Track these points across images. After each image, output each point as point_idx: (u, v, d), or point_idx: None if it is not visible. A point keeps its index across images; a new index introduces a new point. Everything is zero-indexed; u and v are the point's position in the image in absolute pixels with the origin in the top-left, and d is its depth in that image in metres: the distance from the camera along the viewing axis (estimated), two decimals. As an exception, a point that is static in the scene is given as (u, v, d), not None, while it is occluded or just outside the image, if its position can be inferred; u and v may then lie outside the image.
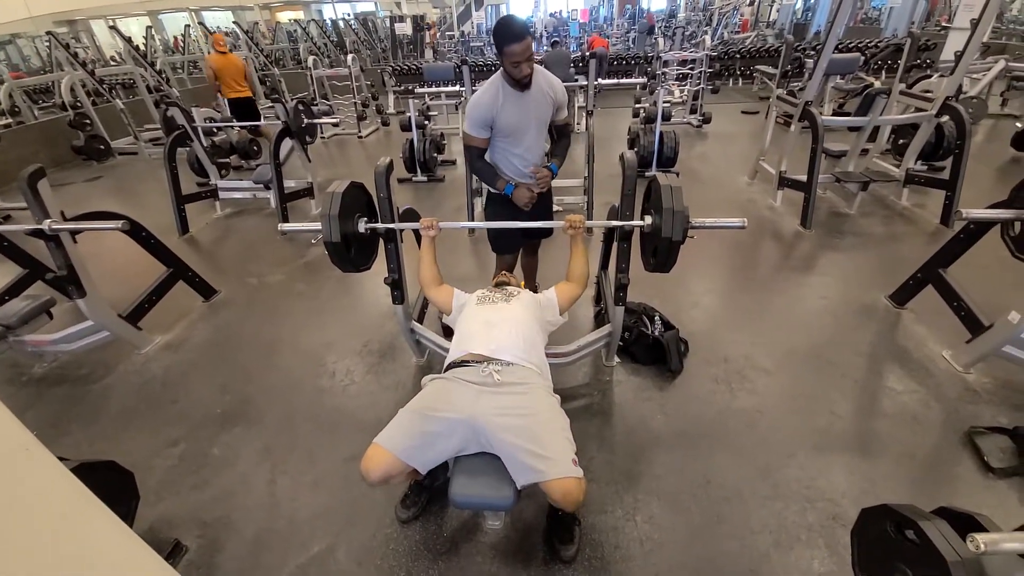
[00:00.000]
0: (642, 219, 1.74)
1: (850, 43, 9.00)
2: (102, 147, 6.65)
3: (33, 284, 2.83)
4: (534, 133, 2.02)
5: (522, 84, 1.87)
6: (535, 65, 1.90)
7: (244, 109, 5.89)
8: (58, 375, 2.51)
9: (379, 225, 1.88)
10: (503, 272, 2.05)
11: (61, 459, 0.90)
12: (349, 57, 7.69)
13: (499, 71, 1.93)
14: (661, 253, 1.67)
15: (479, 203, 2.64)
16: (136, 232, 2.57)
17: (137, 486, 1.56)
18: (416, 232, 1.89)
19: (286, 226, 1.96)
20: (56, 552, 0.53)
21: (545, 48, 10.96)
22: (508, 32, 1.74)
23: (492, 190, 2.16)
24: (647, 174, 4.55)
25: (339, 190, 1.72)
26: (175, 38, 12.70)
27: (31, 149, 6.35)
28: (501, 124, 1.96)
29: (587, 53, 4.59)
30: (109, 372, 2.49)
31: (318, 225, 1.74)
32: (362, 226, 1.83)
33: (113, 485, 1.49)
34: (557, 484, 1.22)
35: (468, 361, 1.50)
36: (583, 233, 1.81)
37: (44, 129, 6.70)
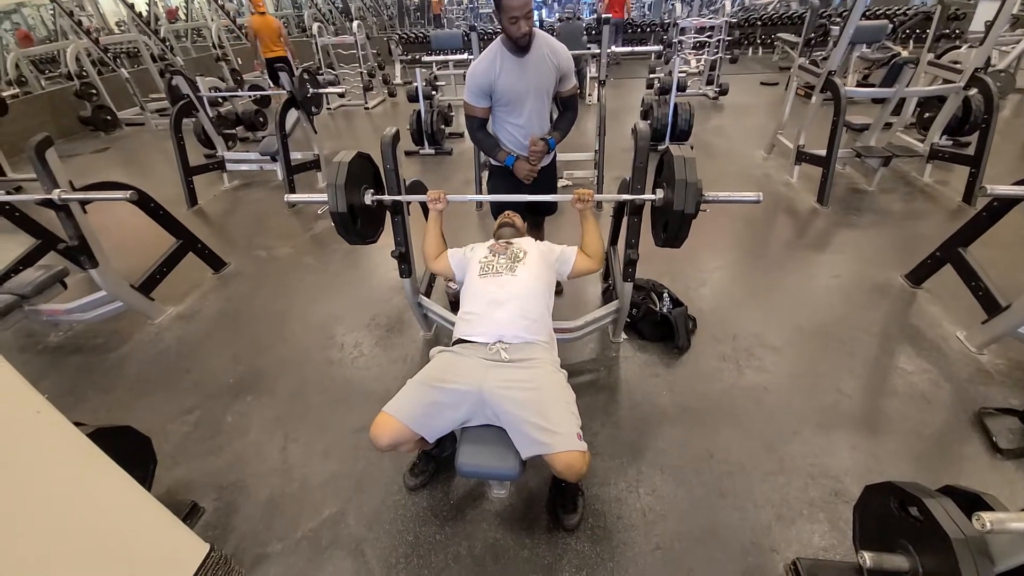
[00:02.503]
0: (654, 193, 1.70)
1: (878, 10, 8.57)
2: (109, 118, 6.61)
3: (47, 255, 2.87)
4: (533, 101, 1.95)
5: (520, 45, 1.79)
6: (539, 31, 1.83)
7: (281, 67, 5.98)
8: (74, 344, 2.56)
9: (386, 197, 1.85)
10: (507, 213, 1.92)
11: (78, 424, 0.92)
12: (355, 24, 7.48)
13: (499, 38, 1.86)
14: (672, 227, 1.64)
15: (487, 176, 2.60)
16: (144, 203, 2.57)
17: (155, 451, 1.61)
18: (423, 205, 1.87)
19: (293, 197, 1.95)
20: (74, 513, 0.54)
21: (558, 16, 10.57)
22: None
23: (494, 162, 2.11)
24: (660, 147, 4.44)
25: (345, 160, 1.70)
26: (165, 8, 12.32)
27: (39, 120, 6.33)
28: (499, 91, 1.90)
29: (601, 16, 4.37)
30: (124, 342, 2.54)
31: (325, 196, 1.72)
32: (368, 198, 1.81)
33: (131, 450, 1.54)
34: (561, 457, 1.23)
35: (475, 339, 1.50)
36: (592, 207, 1.77)
37: (51, 99, 6.66)
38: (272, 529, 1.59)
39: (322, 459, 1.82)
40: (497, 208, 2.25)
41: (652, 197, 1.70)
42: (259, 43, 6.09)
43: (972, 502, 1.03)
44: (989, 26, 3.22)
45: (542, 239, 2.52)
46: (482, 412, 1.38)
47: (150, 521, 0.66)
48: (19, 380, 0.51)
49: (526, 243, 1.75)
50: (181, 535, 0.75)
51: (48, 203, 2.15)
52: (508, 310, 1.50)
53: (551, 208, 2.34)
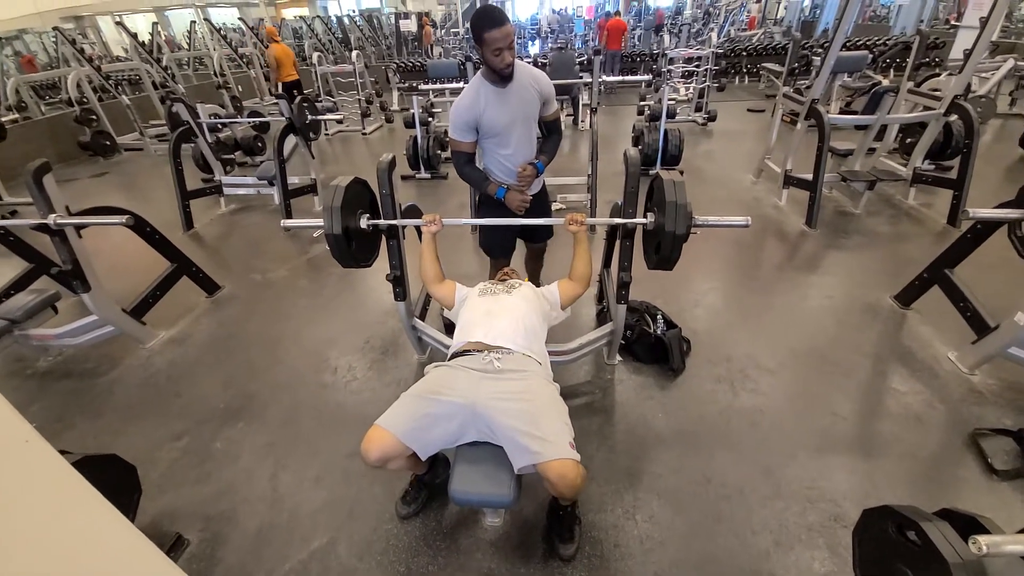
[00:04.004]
0: (645, 216, 1.74)
1: (858, 41, 8.93)
2: (108, 143, 6.68)
3: (39, 279, 2.85)
4: (521, 130, 1.97)
5: (504, 76, 1.81)
6: (518, 61, 1.85)
7: (295, 90, 6.57)
8: (63, 369, 2.53)
9: (381, 221, 1.88)
10: (503, 270, 2.04)
11: (64, 452, 0.90)
12: (354, 54, 7.68)
13: (478, 72, 1.89)
14: (664, 249, 1.66)
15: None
16: (140, 227, 2.58)
17: (139, 480, 1.57)
18: (418, 229, 1.89)
19: (289, 222, 1.97)
20: (55, 545, 0.53)
21: (551, 47, 10.93)
22: (488, 19, 1.68)
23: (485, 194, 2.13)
24: (651, 172, 4.52)
25: (342, 184, 1.72)
26: (166, 37, 12.70)
27: (37, 144, 6.38)
28: (486, 125, 1.92)
29: (594, 49, 4.51)
30: (114, 366, 2.50)
31: (321, 221, 1.74)
32: (364, 222, 1.83)
33: (116, 479, 1.50)
34: (553, 466, 1.22)
35: (470, 350, 1.52)
36: (585, 231, 1.80)
37: (51, 124, 6.74)
38: (260, 561, 1.55)
39: (313, 486, 1.79)
40: (487, 237, 2.26)
41: (644, 221, 1.73)
42: (281, 69, 6.44)
43: (969, 525, 1.02)
44: (968, 54, 3.36)
45: (540, 268, 2.55)
46: (475, 426, 1.38)
47: (134, 555, 0.64)
48: (8, 408, 0.51)
49: (521, 282, 1.84)
50: (165, 570, 0.73)
51: (44, 228, 2.15)
52: (504, 319, 1.56)
53: (547, 232, 2.35)
